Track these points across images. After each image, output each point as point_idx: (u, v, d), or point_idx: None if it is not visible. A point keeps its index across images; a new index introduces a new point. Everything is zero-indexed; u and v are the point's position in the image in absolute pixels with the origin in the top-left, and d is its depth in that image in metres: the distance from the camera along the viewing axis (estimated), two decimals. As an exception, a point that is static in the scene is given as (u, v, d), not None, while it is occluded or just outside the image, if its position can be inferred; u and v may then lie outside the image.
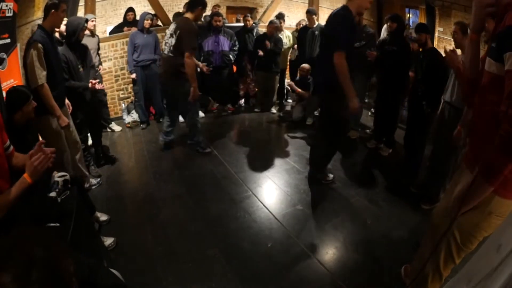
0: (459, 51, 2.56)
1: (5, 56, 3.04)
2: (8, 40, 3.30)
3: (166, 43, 3.49)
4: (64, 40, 3.14)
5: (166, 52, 3.48)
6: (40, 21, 3.44)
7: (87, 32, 3.51)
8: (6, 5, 3.16)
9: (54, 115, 2.54)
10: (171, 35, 3.41)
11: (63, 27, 3.19)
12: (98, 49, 4.39)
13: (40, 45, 2.41)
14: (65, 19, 3.00)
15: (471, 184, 1.20)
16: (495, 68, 1.20)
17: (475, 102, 1.36)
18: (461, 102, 2.44)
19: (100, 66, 4.42)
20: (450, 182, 1.58)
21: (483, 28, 1.34)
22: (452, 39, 2.69)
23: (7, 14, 3.25)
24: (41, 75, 2.42)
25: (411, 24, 11.62)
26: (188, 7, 3.49)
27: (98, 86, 3.13)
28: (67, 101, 2.88)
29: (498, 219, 1.29)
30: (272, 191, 3.07)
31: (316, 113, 5.01)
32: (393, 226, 2.57)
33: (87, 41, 3.61)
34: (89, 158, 3.43)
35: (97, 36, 4.47)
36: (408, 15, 12.71)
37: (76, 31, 3.06)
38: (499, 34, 1.17)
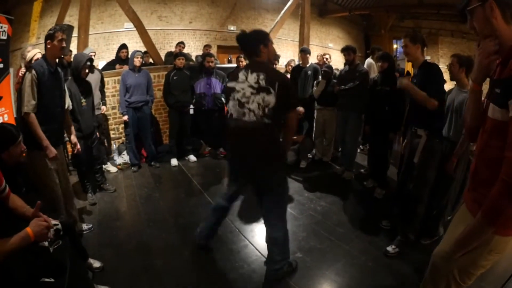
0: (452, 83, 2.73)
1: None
2: (1, 65, 3.09)
3: (242, 102, 2.13)
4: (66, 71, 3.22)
5: (250, 117, 2.10)
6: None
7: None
8: (1, 27, 3.00)
9: (41, 146, 2.40)
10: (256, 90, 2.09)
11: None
12: (102, 85, 4.34)
13: (34, 72, 2.35)
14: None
15: (472, 228, 1.23)
16: (499, 114, 1.17)
17: (477, 147, 1.38)
18: (457, 135, 2.57)
19: (103, 107, 4.38)
20: (451, 223, 1.58)
21: (485, 79, 1.29)
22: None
23: (1, 37, 3.07)
24: (29, 103, 2.34)
25: (398, 56, 12.11)
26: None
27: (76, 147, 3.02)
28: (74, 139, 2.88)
29: (496, 255, 1.31)
30: (270, 239, 2.97)
31: (309, 155, 5.04)
32: (395, 265, 2.54)
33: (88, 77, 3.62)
34: (87, 185, 3.54)
35: (99, 71, 4.38)
36: (396, 45, 13.28)
37: (78, 67, 3.12)
38: (505, 80, 1.15)
